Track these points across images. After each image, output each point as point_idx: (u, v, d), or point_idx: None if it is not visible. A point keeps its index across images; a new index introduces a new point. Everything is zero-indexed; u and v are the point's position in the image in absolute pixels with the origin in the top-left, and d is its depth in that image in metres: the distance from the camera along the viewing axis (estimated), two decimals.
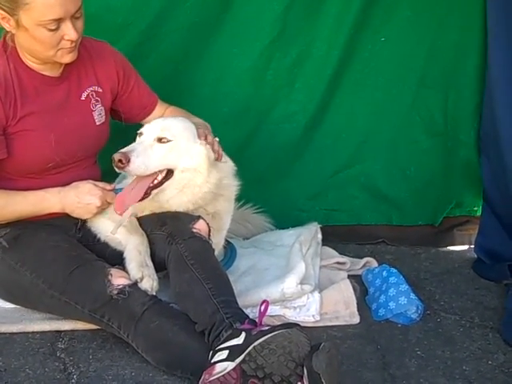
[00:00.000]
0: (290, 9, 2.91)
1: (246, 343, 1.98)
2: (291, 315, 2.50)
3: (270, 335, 1.96)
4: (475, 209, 3.27)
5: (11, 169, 2.37)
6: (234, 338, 2.02)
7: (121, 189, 2.44)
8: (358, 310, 2.60)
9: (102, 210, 2.42)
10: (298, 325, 2.03)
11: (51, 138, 2.35)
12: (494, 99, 2.86)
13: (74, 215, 2.43)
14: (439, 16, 2.96)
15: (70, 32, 2.21)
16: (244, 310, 2.33)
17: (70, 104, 2.41)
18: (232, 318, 2.11)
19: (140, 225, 2.45)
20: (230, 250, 2.79)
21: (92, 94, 2.47)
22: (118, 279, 2.24)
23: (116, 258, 2.39)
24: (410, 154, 3.16)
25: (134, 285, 2.25)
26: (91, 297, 2.24)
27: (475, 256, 3.13)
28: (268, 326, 2.08)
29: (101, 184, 2.44)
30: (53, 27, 2.18)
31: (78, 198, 2.38)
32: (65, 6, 2.16)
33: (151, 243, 2.40)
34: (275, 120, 3.08)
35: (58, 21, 2.18)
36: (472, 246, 3.23)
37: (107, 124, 2.57)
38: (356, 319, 2.57)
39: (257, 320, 2.16)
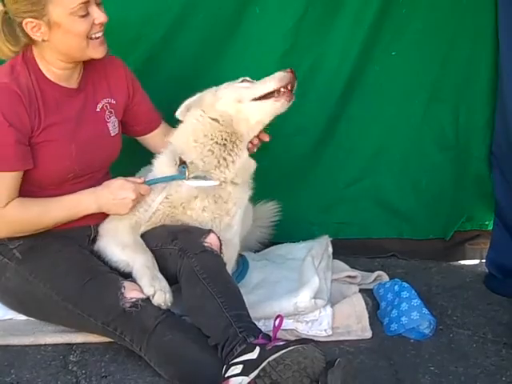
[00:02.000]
0: (301, 22, 2.91)
1: (261, 358, 1.96)
2: (303, 329, 2.47)
3: (284, 351, 1.93)
4: (486, 223, 3.24)
5: (34, 180, 2.36)
6: (248, 352, 2.00)
7: (152, 181, 2.48)
8: (370, 325, 2.57)
9: (137, 202, 2.42)
10: (313, 340, 2.01)
11: (72, 148, 2.36)
12: (506, 113, 2.84)
13: (112, 213, 2.43)
14: (450, 30, 2.95)
15: (98, 15, 2.26)
16: (256, 322, 2.32)
17: (86, 115, 2.42)
18: (245, 332, 2.09)
19: (151, 239, 2.44)
20: (242, 262, 2.77)
21: (106, 106, 2.49)
22: (130, 292, 2.22)
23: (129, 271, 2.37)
24: (422, 168, 3.15)
25: (147, 298, 2.23)
26: (104, 309, 2.23)
27: (487, 270, 3.10)
28: (282, 340, 2.06)
29: (131, 178, 2.46)
30: (83, 12, 2.23)
31: (112, 195, 2.39)
32: None
33: (162, 258, 2.37)
34: (287, 133, 3.06)
35: (86, 5, 2.22)
36: (483, 261, 3.20)
37: (120, 135, 2.58)
38: (368, 334, 2.54)
39: (270, 334, 2.14)
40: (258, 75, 2.89)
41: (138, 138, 2.71)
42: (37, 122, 2.30)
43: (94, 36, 2.29)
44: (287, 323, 2.43)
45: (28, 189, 2.35)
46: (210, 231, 2.40)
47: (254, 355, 1.98)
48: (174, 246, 2.36)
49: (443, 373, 2.34)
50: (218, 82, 2.89)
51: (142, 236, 2.47)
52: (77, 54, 2.32)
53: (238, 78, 2.88)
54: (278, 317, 2.15)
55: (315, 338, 2.43)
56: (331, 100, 3.04)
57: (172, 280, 2.34)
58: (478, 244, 3.27)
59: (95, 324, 2.26)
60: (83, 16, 2.23)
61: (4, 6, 2.26)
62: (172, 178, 2.51)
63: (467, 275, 3.13)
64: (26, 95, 2.26)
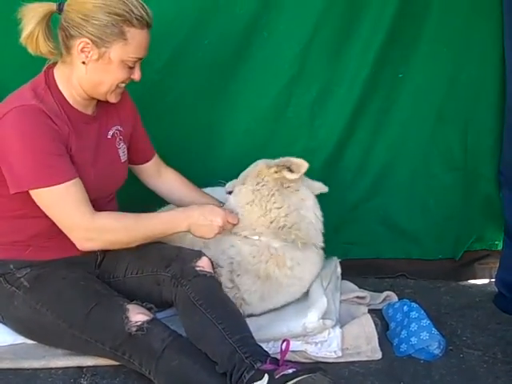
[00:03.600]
0: (309, 47, 2.88)
1: None
2: (313, 351, 2.42)
3: (293, 381, 1.88)
4: (496, 243, 3.18)
5: None
6: (256, 380, 1.96)
7: None
8: (380, 346, 2.51)
9: (223, 230, 2.38)
10: (322, 368, 1.95)
11: (92, 173, 2.32)
12: None
13: (197, 234, 2.35)
14: (457, 51, 2.91)
15: (138, 73, 2.28)
16: (266, 344, 2.29)
17: (102, 142, 2.39)
18: (252, 358, 2.04)
19: (146, 264, 2.38)
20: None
21: (116, 133, 2.46)
22: (135, 316, 2.16)
23: (134, 294, 2.33)
24: (429, 188, 3.09)
25: (152, 321, 2.18)
26: (111, 334, 2.17)
27: (496, 290, 3.04)
28: (291, 366, 2.00)
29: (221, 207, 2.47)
30: (132, 65, 2.24)
31: (202, 216, 2.32)
32: (148, 47, 2.26)
33: (157, 283, 2.32)
34: (295, 156, 2.99)
35: (138, 60, 2.25)
36: (493, 280, 3.14)
37: (127, 162, 2.55)
38: (378, 355, 2.48)
39: (278, 356, 2.10)
40: (266, 99, 2.95)
41: (133, 167, 2.66)
42: (68, 143, 2.25)
43: (121, 85, 2.29)
44: (296, 345, 2.38)
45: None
46: (200, 254, 2.36)
47: (263, 383, 1.93)
48: (167, 272, 2.31)
49: None
50: (225, 106, 2.95)
51: (139, 260, 2.42)
52: (99, 91, 2.27)
53: (246, 102, 2.94)
54: (284, 341, 2.10)
55: (324, 360, 2.39)
56: (339, 124, 3.01)
57: (168, 305, 2.33)
58: (488, 263, 3.21)
59: (103, 349, 2.20)
60: (130, 68, 2.24)
61: (60, 10, 2.19)
62: None
63: (477, 295, 3.07)
64: (54, 118, 2.20)
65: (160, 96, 2.87)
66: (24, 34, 2.22)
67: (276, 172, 2.54)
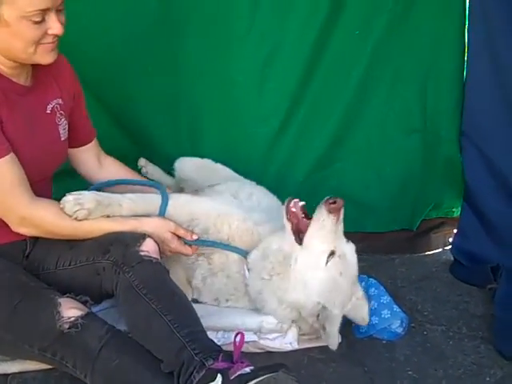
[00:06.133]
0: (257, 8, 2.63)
1: None
2: (265, 342, 2.15)
3: (252, 383, 1.59)
4: (453, 210, 2.98)
5: None
6: (208, 381, 1.68)
7: (209, 242, 2.22)
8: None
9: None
10: (284, 365, 1.67)
11: (28, 151, 2.02)
12: (476, 90, 2.62)
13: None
14: (416, 4, 2.65)
15: (55, 25, 1.94)
16: (215, 333, 2.05)
17: (38, 117, 2.11)
18: (202, 355, 1.76)
19: (80, 253, 2.08)
20: (162, 194, 2.29)
21: (56, 107, 2.18)
22: (68, 310, 1.88)
23: (68, 288, 2.01)
24: (386, 154, 2.85)
25: (88, 316, 1.89)
26: (39, 333, 1.89)
27: (451, 258, 2.86)
28: (247, 363, 1.71)
29: (183, 231, 2.17)
30: (38, 19, 1.91)
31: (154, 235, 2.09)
32: None
33: (95, 274, 2.03)
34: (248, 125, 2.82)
35: (44, 12, 1.91)
36: (446, 248, 2.98)
37: (67, 141, 2.25)
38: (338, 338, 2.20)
39: (230, 348, 1.82)
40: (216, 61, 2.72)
41: (70, 151, 2.33)
42: None
43: (44, 42, 1.97)
44: (248, 335, 2.10)
45: None
46: (144, 236, 2.05)
47: None
48: (106, 259, 2.01)
49: (422, 377, 2.10)
50: (174, 71, 2.74)
51: (71, 250, 2.10)
52: (20, 56, 1.99)
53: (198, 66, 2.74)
54: (238, 333, 1.80)
55: (280, 351, 2.12)
56: (289, 88, 2.76)
57: (109, 297, 2.05)
58: (443, 232, 3.01)
59: (31, 351, 1.92)
60: (37, 22, 1.91)
61: None
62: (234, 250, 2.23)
63: (433, 265, 2.89)
64: None
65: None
66: None
67: None
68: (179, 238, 2.15)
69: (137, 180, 2.44)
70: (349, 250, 2.12)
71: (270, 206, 2.46)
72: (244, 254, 2.19)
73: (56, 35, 1.96)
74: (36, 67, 2.10)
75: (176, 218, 2.17)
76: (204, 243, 2.20)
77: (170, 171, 2.78)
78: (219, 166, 2.73)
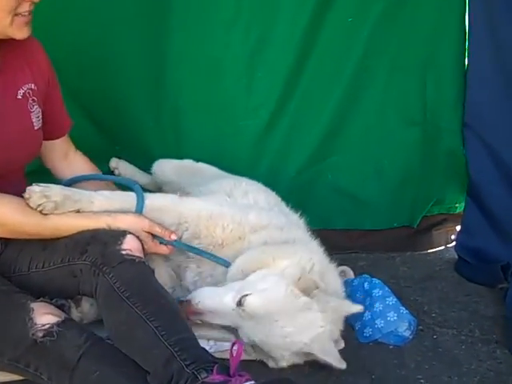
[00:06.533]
0: None
1: None
2: None
3: None
4: (456, 205, 2.85)
5: None
6: None
7: (188, 247, 2.03)
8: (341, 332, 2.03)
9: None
10: (290, 380, 1.46)
11: None
12: (479, 78, 2.51)
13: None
14: None
15: None
16: (205, 341, 1.86)
17: (8, 102, 1.96)
18: (194, 366, 1.57)
19: (54, 253, 1.89)
20: (136, 191, 2.08)
21: (28, 93, 2.03)
22: (42, 317, 1.71)
23: (43, 292, 1.83)
24: (384, 147, 2.71)
25: (65, 322, 1.71)
26: (11, 342, 1.72)
27: (455, 256, 2.73)
28: (247, 377, 1.50)
29: (159, 228, 1.98)
30: None
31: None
32: None
33: (72, 276, 1.86)
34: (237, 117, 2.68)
35: None
36: (449, 246, 2.85)
37: (41, 131, 2.09)
38: (341, 344, 1.99)
39: (224, 359, 1.64)
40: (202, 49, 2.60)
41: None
42: None
43: (21, 13, 1.85)
44: None
45: None
46: (124, 233, 1.87)
47: None
48: (84, 260, 1.83)
49: None
50: (158, 58, 2.62)
51: (45, 251, 1.91)
52: None
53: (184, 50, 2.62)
54: (235, 343, 1.59)
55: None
56: (281, 77, 2.63)
57: None
58: (445, 228, 2.88)
59: (1, 361, 1.75)
60: None
61: None
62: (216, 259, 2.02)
63: (436, 263, 2.75)
64: None
65: None
66: None
67: None
68: (154, 237, 1.96)
69: (110, 176, 2.32)
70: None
71: (269, 203, 2.27)
72: (224, 263, 1.99)
73: (32, 2, 1.83)
74: (5, 49, 1.93)
75: (161, 221, 1.98)
76: (187, 248, 2.01)
77: (148, 170, 2.61)
78: (202, 165, 2.56)
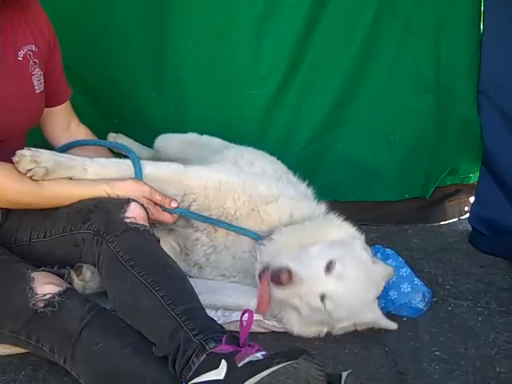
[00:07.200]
0: None
1: (231, 381, 1.34)
2: (271, 322, 1.89)
3: (266, 373, 1.31)
4: (470, 176, 2.76)
5: None
6: (210, 368, 1.41)
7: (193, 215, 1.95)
8: None
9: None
10: (306, 351, 1.39)
11: None
12: (495, 43, 2.43)
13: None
14: None
15: None
16: (213, 312, 1.80)
17: (8, 63, 1.89)
18: (202, 336, 1.50)
19: (56, 222, 1.82)
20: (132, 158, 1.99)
21: (29, 54, 1.95)
22: (43, 287, 1.64)
23: (45, 262, 1.76)
24: (395, 116, 2.63)
25: (66, 292, 1.64)
26: (11, 313, 1.66)
27: (468, 228, 2.66)
28: (257, 347, 1.42)
29: (159, 196, 1.90)
30: None
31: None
32: None
33: (74, 245, 1.79)
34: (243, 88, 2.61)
35: None
36: (462, 218, 2.78)
37: (43, 95, 2.00)
38: None
39: (233, 331, 1.55)
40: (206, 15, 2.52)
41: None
42: None
43: None
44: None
45: None
46: (129, 201, 1.79)
47: (220, 374, 1.38)
48: (86, 229, 1.77)
49: (451, 358, 1.84)
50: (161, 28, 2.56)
51: (46, 220, 1.84)
52: None
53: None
54: (245, 311, 1.52)
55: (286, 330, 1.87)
56: (289, 44, 2.55)
57: None
58: (458, 199, 2.80)
59: (2, 333, 1.69)
60: None
61: None
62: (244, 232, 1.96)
63: (449, 235, 2.69)
64: None
65: None
66: None
67: None
68: (156, 204, 1.88)
69: (103, 141, 2.24)
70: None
71: (276, 171, 2.19)
72: (256, 236, 1.91)
73: None
74: (4, 8, 1.84)
75: (164, 192, 1.90)
76: (202, 219, 1.93)
77: (149, 145, 2.54)
78: (207, 138, 2.47)
